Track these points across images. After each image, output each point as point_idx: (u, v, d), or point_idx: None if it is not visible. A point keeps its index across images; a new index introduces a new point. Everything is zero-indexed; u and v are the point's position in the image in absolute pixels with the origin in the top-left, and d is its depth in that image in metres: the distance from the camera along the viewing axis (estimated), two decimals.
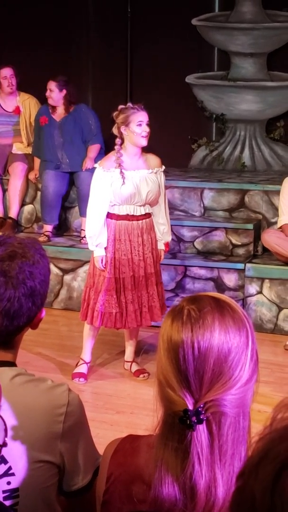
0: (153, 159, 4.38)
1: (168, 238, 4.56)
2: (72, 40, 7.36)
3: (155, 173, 4.34)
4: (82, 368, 4.52)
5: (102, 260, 4.30)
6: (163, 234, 4.48)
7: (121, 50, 7.24)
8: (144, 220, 4.35)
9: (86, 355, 4.55)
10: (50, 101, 6.14)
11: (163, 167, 4.43)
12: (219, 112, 7.02)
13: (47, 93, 6.12)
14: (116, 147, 4.27)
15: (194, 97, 7.08)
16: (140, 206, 4.31)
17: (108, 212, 4.30)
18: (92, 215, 4.31)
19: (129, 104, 4.29)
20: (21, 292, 1.55)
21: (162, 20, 7.03)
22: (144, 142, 4.25)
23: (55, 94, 6.09)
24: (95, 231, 4.30)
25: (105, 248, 4.31)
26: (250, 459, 0.74)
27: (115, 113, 4.29)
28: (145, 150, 4.39)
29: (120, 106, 4.29)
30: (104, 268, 4.31)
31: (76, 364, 4.55)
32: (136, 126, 4.20)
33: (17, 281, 1.55)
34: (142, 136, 4.23)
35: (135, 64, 7.26)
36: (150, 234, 4.38)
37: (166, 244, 4.56)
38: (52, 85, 6.09)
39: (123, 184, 4.21)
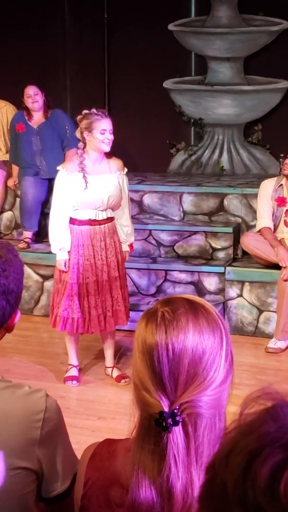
0: (115, 163, 4.39)
1: (132, 239, 4.59)
2: (49, 46, 7.35)
3: (118, 176, 4.34)
4: (73, 372, 4.55)
5: (65, 263, 4.31)
6: (127, 236, 4.50)
7: (98, 55, 7.25)
8: (106, 225, 4.36)
9: (73, 359, 4.58)
10: (35, 106, 6.09)
11: (125, 169, 4.43)
12: (197, 117, 7.05)
13: (32, 99, 6.05)
14: (78, 151, 4.27)
15: (172, 102, 7.11)
16: (102, 210, 4.32)
17: (70, 218, 4.30)
18: (55, 218, 4.32)
19: (93, 110, 4.27)
20: None
21: (138, 26, 7.05)
22: (106, 148, 4.25)
23: (40, 96, 6.09)
24: (58, 235, 4.31)
25: (68, 253, 4.32)
26: (219, 452, 0.76)
27: (78, 117, 4.29)
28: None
29: (84, 111, 4.28)
30: (67, 270, 4.31)
31: (66, 370, 4.57)
32: (99, 133, 4.20)
33: None
34: (104, 143, 4.22)
35: (113, 70, 7.27)
36: (113, 237, 4.40)
37: (131, 245, 4.58)
38: (35, 89, 6.07)
39: (86, 189, 4.21)
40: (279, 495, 0.66)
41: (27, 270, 5.76)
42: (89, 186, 4.21)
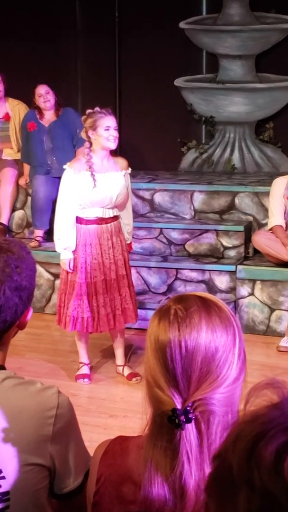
0: (121, 162, 4.41)
1: (131, 237, 4.60)
2: (60, 45, 7.37)
3: (123, 175, 4.35)
4: (84, 370, 4.56)
5: (69, 262, 4.32)
6: (128, 234, 4.52)
7: (110, 54, 7.25)
8: (113, 223, 4.37)
9: (84, 357, 4.59)
10: (47, 105, 6.12)
11: (130, 169, 4.44)
12: (208, 115, 7.04)
13: (43, 98, 6.08)
14: (85, 150, 4.28)
15: (183, 100, 7.10)
16: (110, 208, 4.33)
17: (77, 217, 4.30)
18: (61, 217, 4.32)
19: (97, 108, 4.28)
20: (7, 286, 1.54)
21: (150, 24, 7.04)
22: (112, 145, 4.26)
23: (51, 95, 6.11)
24: (63, 234, 4.31)
25: (75, 252, 4.32)
26: (226, 441, 0.79)
27: (83, 118, 4.32)
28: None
29: (88, 110, 4.29)
30: (71, 270, 4.32)
31: (78, 368, 4.58)
32: (103, 130, 4.21)
33: (3, 274, 1.54)
34: (109, 140, 4.23)
35: (124, 68, 7.27)
36: (119, 236, 4.41)
37: (130, 245, 4.58)
38: (46, 88, 6.11)
39: (95, 187, 4.22)
40: (283, 474, 0.70)
41: (39, 268, 5.78)
42: (97, 184, 4.22)
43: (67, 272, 4.38)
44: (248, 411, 0.79)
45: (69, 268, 4.33)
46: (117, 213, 4.40)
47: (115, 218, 4.39)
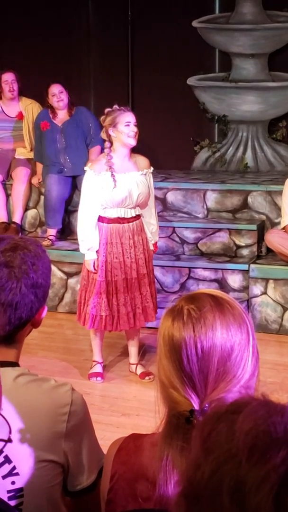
0: (142, 161, 4.39)
1: (157, 238, 4.59)
2: (73, 43, 7.37)
3: (145, 174, 4.34)
4: (97, 368, 4.55)
5: (94, 263, 4.33)
6: (152, 234, 4.50)
7: (122, 53, 7.25)
8: (134, 222, 4.36)
9: (97, 356, 4.58)
10: (60, 104, 6.11)
11: (152, 168, 4.43)
12: (221, 114, 7.02)
13: (57, 98, 6.08)
14: (105, 150, 4.28)
15: (195, 99, 7.09)
16: (131, 208, 4.33)
17: (99, 216, 4.31)
18: (83, 218, 4.33)
19: (115, 106, 4.28)
20: (23, 283, 1.56)
21: (162, 23, 7.04)
22: (133, 142, 4.25)
23: (65, 95, 6.11)
24: (86, 235, 4.31)
25: (97, 252, 4.33)
26: (216, 479, 0.72)
27: (102, 117, 4.31)
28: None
29: (107, 109, 4.29)
30: (95, 271, 4.33)
31: (90, 367, 4.58)
32: (123, 126, 4.20)
33: (20, 271, 1.56)
34: (130, 136, 4.22)
35: (136, 67, 7.27)
36: (141, 235, 4.40)
37: (155, 245, 4.58)
38: (59, 87, 6.09)
39: (115, 187, 4.22)
40: None
41: (52, 267, 5.79)
42: (117, 185, 4.22)
43: (89, 270, 4.39)
44: (241, 442, 0.72)
45: (93, 269, 4.33)
46: (139, 212, 4.39)
47: (137, 217, 4.39)
